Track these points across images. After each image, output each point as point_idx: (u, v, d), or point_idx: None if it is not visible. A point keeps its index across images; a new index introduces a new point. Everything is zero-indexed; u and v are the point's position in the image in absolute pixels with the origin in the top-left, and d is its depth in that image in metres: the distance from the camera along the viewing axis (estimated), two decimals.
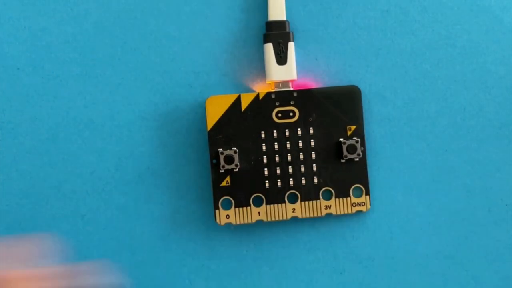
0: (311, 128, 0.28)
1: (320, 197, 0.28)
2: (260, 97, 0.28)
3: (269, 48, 0.28)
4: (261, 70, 0.29)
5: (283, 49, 0.28)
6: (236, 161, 0.28)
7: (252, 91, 0.29)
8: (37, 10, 0.28)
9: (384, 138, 0.29)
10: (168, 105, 0.29)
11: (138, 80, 0.29)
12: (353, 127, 0.28)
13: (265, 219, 0.28)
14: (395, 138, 0.29)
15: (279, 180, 0.28)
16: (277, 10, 0.28)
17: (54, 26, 0.28)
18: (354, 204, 0.29)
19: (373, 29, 0.29)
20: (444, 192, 0.29)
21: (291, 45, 0.28)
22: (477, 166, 0.29)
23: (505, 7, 0.29)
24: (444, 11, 0.29)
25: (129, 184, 0.29)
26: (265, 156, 0.28)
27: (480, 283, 0.29)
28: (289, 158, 0.28)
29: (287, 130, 0.28)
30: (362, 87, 0.29)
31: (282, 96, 0.28)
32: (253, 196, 0.28)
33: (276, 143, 0.28)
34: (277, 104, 0.28)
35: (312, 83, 0.29)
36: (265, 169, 0.28)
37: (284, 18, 0.28)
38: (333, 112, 0.28)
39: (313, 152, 0.28)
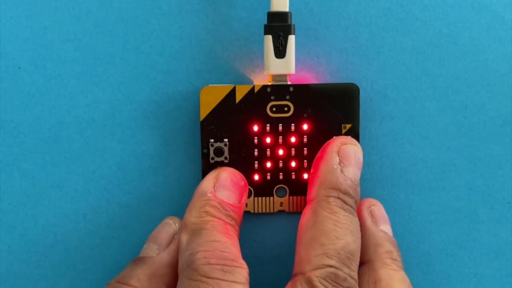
0: (305, 124, 0.28)
1: None
2: (256, 90, 0.28)
3: (268, 40, 0.27)
4: (261, 61, 0.29)
5: (283, 42, 0.27)
6: (226, 154, 0.28)
7: (250, 81, 0.29)
8: (38, 8, 0.28)
9: (386, 137, 0.29)
10: (169, 103, 0.29)
11: (139, 79, 0.29)
12: (348, 126, 0.28)
13: (252, 211, 0.28)
14: (396, 136, 0.29)
15: (268, 173, 0.28)
16: (280, 0, 0.27)
17: (55, 25, 0.28)
18: None
19: (375, 27, 0.29)
20: (446, 190, 0.29)
21: (291, 38, 0.27)
22: (479, 164, 0.29)
23: (507, 5, 0.29)
24: (446, 9, 0.29)
25: (131, 183, 0.29)
26: (256, 149, 0.28)
27: (482, 281, 0.29)
28: (281, 152, 0.28)
29: (280, 124, 0.28)
30: (363, 85, 0.29)
31: (278, 90, 0.28)
32: None
33: (268, 137, 0.28)
34: (272, 98, 0.28)
35: (311, 79, 0.29)
36: (256, 162, 0.28)
37: (286, 9, 0.27)
38: (328, 109, 0.28)
39: (305, 148, 0.28)
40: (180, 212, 0.29)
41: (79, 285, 0.29)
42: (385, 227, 0.28)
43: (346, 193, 0.26)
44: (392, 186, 0.29)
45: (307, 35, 0.29)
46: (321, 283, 0.24)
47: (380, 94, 0.29)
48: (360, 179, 0.27)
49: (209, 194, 0.26)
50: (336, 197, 0.26)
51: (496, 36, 0.29)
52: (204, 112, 0.28)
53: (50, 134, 0.29)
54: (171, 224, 0.27)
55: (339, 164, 0.26)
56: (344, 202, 0.26)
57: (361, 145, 0.28)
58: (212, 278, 0.23)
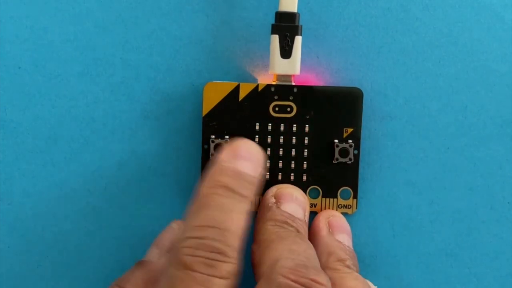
0: (306, 125, 0.28)
1: (307, 194, 0.28)
2: (259, 88, 0.28)
3: (275, 39, 0.27)
4: (266, 60, 0.29)
5: (289, 42, 0.27)
6: None
7: (254, 79, 0.29)
8: (38, 8, 0.28)
9: (385, 137, 0.29)
10: (170, 103, 0.29)
11: (139, 79, 0.29)
12: (350, 130, 0.28)
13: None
14: (396, 136, 0.29)
15: (267, 173, 0.28)
16: (289, 1, 0.27)
17: (55, 25, 0.28)
18: (340, 206, 0.28)
19: (375, 27, 0.29)
20: (446, 190, 0.29)
21: (298, 39, 0.27)
22: (479, 164, 0.29)
23: (507, 5, 0.29)
24: (446, 9, 0.29)
25: (131, 183, 0.29)
26: None
27: (482, 281, 0.29)
28: (281, 152, 0.28)
29: (282, 125, 0.28)
30: (363, 85, 0.29)
31: (282, 90, 0.28)
32: None
33: (269, 136, 0.28)
34: (275, 97, 0.28)
35: (314, 80, 0.29)
36: None
37: (295, 10, 0.27)
38: (331, 112, 0.28)
39: (306, 150, 0.28)
40: (180, 212, 0.29)
41: (79, 285, 0.29)
42: (342, 237, 0.27)
43: (283, 222, 0.26)
44: (392, 186, 0.29)
45: (307, 35, 0.29)
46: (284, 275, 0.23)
47: (380, 94, 0.29)
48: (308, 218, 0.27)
49: (223, 163, 0.25)
50: (273, 225, 0.26)
51: (496, 36, 0.29)
52: (206, 108, 0.28)
53: (50, 134, 0.29)
54: (174, 229, 0.27)
55: (275, 203, 0.27)
56: (283, 227, 0.26)
57: (361, 145, 0.28)
58: (191, 270, 0.22)
